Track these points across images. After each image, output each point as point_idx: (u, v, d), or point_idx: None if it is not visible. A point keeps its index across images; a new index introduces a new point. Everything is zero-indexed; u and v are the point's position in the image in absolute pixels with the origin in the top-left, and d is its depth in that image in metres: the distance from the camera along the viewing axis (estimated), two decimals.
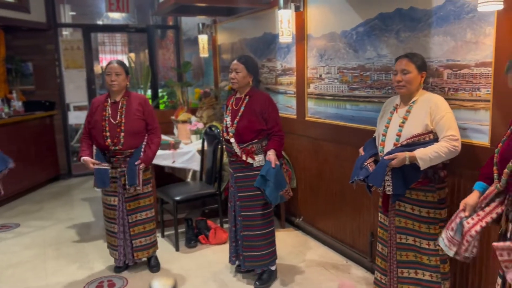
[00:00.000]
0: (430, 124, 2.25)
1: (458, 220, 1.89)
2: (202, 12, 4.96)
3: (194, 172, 4.26)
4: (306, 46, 3.72)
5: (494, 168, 1.81)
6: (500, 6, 1.99)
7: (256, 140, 2.90)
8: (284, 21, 3.59)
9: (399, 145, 2.30)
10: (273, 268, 3.09)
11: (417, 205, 2.33)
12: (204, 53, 5.36)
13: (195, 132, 4.56)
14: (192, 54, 6.24)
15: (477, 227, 1.81)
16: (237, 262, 3.16)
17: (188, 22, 6.31)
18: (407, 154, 2.19)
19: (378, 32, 2.94)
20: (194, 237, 3.82)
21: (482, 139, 2.32)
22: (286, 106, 4.12)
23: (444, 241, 1.94)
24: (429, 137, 2.26)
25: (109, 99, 3.11)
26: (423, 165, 2.17)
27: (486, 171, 1.92)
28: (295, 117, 3.98)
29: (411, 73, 2.30)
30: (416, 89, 2.35)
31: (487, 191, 1.85)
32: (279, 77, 4.22)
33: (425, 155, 2.17)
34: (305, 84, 3.79)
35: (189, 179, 4.30)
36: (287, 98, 4.12)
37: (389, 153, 2.28)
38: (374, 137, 2.57)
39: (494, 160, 1.81)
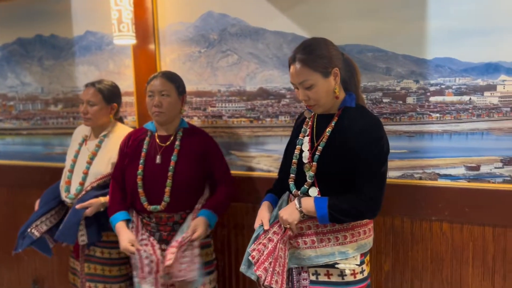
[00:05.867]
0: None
1: None
2: None
3: None
4: None
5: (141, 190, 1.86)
6: (133, 40, 2.18)
7: None
8: None
9: (89, 188, 2.02)
10: None
11: (107, 247, 2.05)
12: None
13: None
14: None
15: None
16: None
17: None
18: (102, 199, 1.97)
19: (19, 58, 2.69)
20: None
21: None
22: None
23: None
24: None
25: None
26: None
27: None
28: None
29: (97, 105, 2.04)
30: (106, 121, 2.10)
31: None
32: None
33: None
34: None
35: None
36: None
37: (81, 200, 1.97)
38: (58, 183, 2.17)
39: (140, 182, 1.85)
